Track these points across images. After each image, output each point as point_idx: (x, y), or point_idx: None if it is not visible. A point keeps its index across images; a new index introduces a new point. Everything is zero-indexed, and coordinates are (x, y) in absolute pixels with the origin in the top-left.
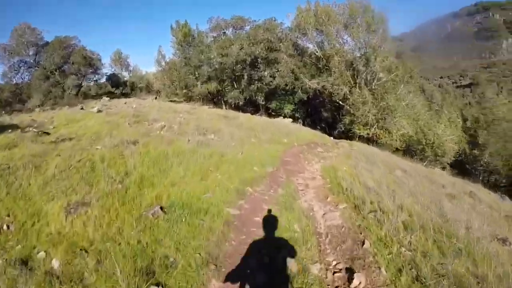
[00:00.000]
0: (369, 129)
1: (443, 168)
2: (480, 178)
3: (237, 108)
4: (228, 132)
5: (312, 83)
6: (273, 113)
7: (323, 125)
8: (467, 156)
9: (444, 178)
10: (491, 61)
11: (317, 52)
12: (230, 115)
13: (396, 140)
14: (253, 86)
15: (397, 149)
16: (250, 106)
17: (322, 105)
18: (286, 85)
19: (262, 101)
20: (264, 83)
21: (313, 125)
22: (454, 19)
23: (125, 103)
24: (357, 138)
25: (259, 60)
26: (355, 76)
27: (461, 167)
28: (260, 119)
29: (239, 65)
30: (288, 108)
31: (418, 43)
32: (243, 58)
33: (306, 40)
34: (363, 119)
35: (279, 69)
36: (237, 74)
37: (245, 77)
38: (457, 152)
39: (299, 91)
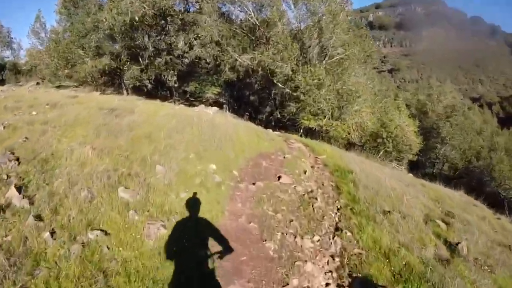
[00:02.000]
0: (321, 119)
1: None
2: (433, 170)
3: (144, 92)
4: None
5: (243, 58)
6: (192, 99)
7: (250, 110)
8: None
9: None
10: (411, 49)
11: (251, 18)
12: (122, 107)
13: (350, 133)
14: (160, 59)
15: (349, 144)
16: (163, 90)
17: (249, 87)
18: (208, 61)
19: (175, 83)
20: (176, 55)
21: (239, 112)
22: (377, 10)
23: None
24: (301, 131)
25: (168, 20)
26: (302, 51)
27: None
28: (171, 112)
29: (140, 29)
30: (211, 92)
31: None
32: (142, 15)
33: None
34: (315, 106)
35: (199, 35)
36: (137, 42)
37: (149, 46)
38: (421, 145)
39: (226, 69)
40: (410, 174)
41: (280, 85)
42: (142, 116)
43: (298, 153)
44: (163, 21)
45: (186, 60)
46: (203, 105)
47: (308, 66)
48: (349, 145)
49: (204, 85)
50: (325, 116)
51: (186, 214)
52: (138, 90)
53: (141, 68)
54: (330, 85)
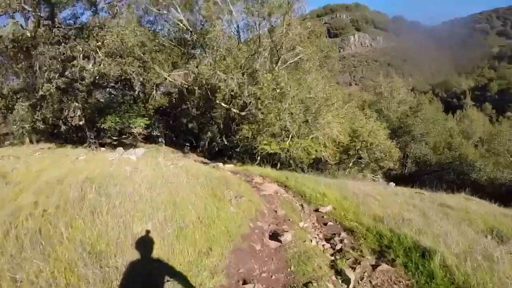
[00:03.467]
0: (284, 141)
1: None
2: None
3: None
4: None
5: (175, 76)
6: (114, 138)
7: (190, 139)
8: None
9: None
10: (341, 55)
11: (180, 21)
12: None
13: (322, 151)
14: (50, 85)
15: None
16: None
17: (185, 113)
18: (134, 82)
19: (80, 119)
20: (76, 77)
21: (177, 144)
22: (303, 21)
23: None
24: (258, 159)
25: (56, 20)
26: (249, 58)
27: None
28: (64, 171)
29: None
30: (138, 124)
31: None
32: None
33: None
34: (276, 125)
35: (106, 40)
36: (19, 66)
37: (38, 68)
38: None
39: (154, 92)
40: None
41: (224, 104)
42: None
43: (286, 211)
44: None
45: (87, 81)
46: (121, 149)
47: (261, 73)
48: (314, 165)
49: (128, 118)
50: (289, 136)
51: None
52: (55, 136)
53: (31, 104)
54: (295, 95)
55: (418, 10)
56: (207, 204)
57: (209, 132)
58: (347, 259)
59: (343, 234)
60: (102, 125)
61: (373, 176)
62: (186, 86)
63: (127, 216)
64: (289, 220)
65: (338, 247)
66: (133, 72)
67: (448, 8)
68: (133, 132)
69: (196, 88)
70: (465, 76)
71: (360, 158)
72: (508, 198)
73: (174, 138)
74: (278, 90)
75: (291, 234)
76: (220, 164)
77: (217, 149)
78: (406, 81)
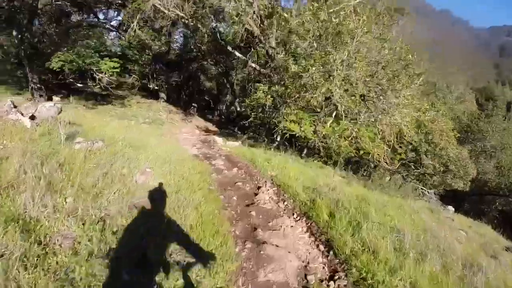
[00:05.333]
0: (329, 121)
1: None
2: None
3: None
4: None
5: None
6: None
7: (208, 100)
8: None
9: None
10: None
11: None
12: None
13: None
14: None
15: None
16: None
17: (202, 69)
18: None
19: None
20: None
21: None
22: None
23: None
24: (276, 139)
25: None
26: None
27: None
28: None
29: None
30: (106, 68)
31: None
32: None
33: None
34: (323, 87)
35: None
36: None
37: None
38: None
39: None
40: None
41: (238, 54)
42: None
43: None
44: None
45: None
46: (11, 101)
47: None
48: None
49: (89, 57)
50: (336, 116)
51: None
52: None
53: None
54: (360, 40)
55: (467, 7)
56: None
57: (228, 95)
58: None
59: None
60: (55, 64)
61: (425, 190)
62: (184, 18)
63: None
64: None
65: None
66: None
67: (498, 13)
68: (101, 79)
69: (198, 24)
70: (509, 87)
71: (420, 165)
72: None
73: (185, 97)
74: (331, 25)
75: None
76: (219, 140)
77: (235, 115)
78: (445, 79)
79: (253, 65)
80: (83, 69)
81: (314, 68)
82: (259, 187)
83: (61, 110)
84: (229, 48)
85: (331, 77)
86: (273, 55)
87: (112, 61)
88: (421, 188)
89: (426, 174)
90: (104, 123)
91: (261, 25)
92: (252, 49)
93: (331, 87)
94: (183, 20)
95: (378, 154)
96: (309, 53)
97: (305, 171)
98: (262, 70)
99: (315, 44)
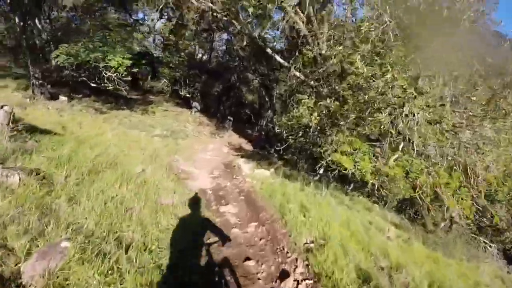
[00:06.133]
0: (393, 156)
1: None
2: None
3: None
4: None
5: None
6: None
7: (249, 114)
8: None
9: None
10: None
11: None
12: None
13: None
14: None
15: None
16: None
17: (243, 80)
18: None
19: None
20: None
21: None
22: None
23: None
24: (319, 172)
25: None
26: None
27: None
28: None
29: None
30: (116, 63)
31: None
32: None
33: None
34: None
35: None
36: None
37: None
38: None
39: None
40: None
41: (278, 58)
42: None
43: None
44: None
45: None
46: None
47: None
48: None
49: (100, 51)
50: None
51: None
52: None
53: None
54: None
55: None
56: None
57: (269, 110)
58: None
59: None
60: (56, 59)
61: (488, 245)
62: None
63: None
64: None
65: None
66: None
67: None
68: (110, 77)
69: (230, 15)
70: None
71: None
72: None
73: (223, 108)
74: None
75: None
76: (246, 167)
77: (272, 134)
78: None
79: (297, 73)
80: (92, 65)
81: (391, 74)
82: (283, 274)
83: (13, 115)
84: (269, 51)
85: (417, 89)
86: (321, 59)
87: (124, 57)
88: (483, 241)
89: (496, 228)
90: (100, 132)
91: (309, 24)
92: (297, 53)
93: (418, 104)
94: (214, 14)
95: (463, 211)
96: (378, 51)
97: (353, 221)
98: (306, 79)
99: (391, 36)
